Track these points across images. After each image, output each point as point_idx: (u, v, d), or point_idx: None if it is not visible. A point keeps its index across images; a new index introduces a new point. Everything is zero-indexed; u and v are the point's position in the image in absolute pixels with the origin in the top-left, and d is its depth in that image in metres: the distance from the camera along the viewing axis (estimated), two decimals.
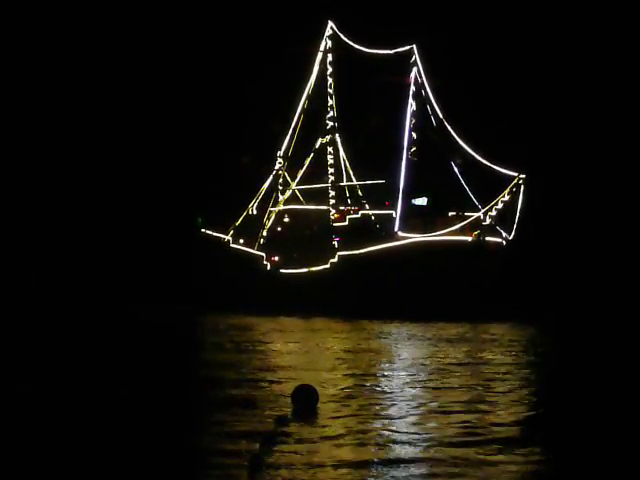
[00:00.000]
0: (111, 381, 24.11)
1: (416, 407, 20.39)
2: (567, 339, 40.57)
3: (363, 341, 38.70)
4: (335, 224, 63.72)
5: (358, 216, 62.22)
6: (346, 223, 62.54)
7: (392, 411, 20.05)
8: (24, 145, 79.34)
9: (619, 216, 63.97)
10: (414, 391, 23.03)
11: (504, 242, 57.79)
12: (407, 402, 21.03)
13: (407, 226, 59.02)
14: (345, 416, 19.07)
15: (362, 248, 59.17)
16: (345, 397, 21.76)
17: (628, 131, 67.89)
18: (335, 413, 19.38)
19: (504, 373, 26.51)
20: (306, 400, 19.49)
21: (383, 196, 63.83)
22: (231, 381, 24.44)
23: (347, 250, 60.39)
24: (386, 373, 27.19)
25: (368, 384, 24.03)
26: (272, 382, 24.24)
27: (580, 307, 52.98)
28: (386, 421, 18.83)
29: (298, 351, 34.78)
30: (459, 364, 28.96)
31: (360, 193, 69.55)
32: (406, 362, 30.16)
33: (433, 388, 23.45)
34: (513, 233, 57.31)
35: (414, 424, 18.45)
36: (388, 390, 23.21)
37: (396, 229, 58.96)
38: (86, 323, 48.29)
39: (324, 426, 18.19)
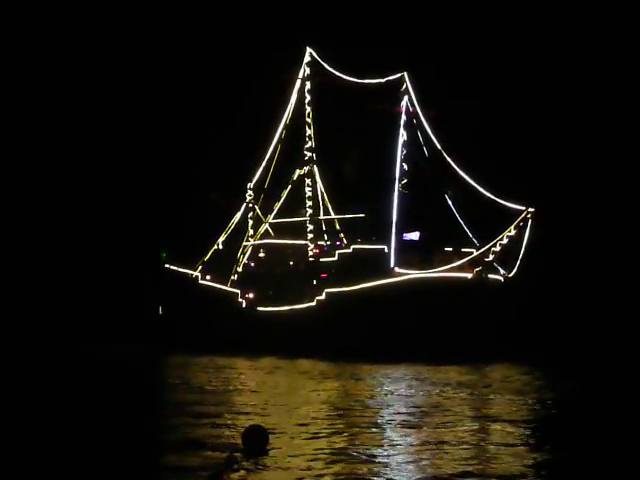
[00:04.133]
0: (64, 422, 23.45)
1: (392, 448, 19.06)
2: (569, 380, 38.52)
3: (348, 383, 36.31)
4: (322, 259, 60.08)
5: (349, 251, 58.55)
6: (335, 258, 58.89)
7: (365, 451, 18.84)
8: None
9: (621, 254, 62.43)
10: (387, 433, 21.91)
11: (502, 279, 55.27)
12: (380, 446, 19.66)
13: (403, 262, 55.86)
14: (298, 455, 18.18)
15: (353, 285, 55.79)
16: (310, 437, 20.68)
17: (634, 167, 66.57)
18: (288, 454, 18.43)
19: (502, 415, 24.71)
20: (255, 441, 19.02)
21: (364, 230, 60.72)
22: (189, 422, 23.47)
23: (336, 287, 56.82)
24: (367, 414, 25.44)
25: (343, 424, 22.77)
26: (230, 423, 23.24)
27: (582, 348, 51.01)
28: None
29: (270, 392, 32.68)
30: (454, 405, 27.47)
31: (338, 227, 66.55)
32: (388, 403, 28.40)
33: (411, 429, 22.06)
34: (515, 270, 54.68)
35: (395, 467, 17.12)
36: (367, 431, 21.90)
37: (392, 265, 55.68)
38: (45, 365, 46.23)
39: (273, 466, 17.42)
